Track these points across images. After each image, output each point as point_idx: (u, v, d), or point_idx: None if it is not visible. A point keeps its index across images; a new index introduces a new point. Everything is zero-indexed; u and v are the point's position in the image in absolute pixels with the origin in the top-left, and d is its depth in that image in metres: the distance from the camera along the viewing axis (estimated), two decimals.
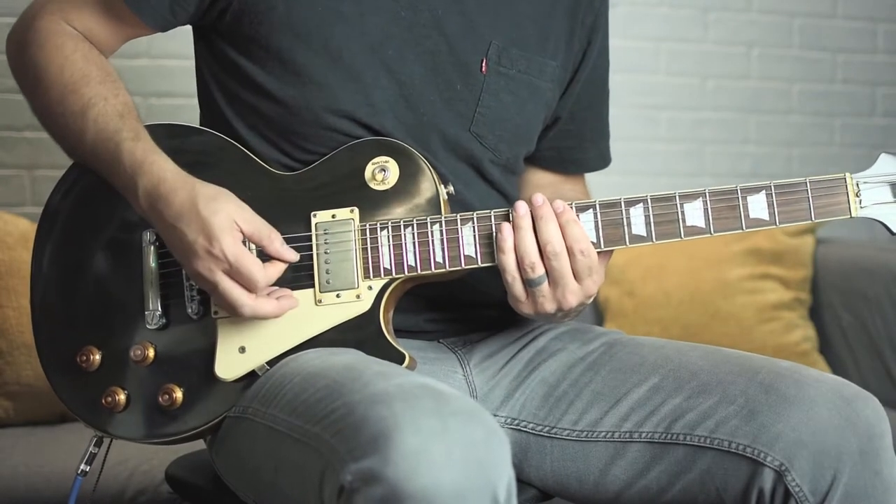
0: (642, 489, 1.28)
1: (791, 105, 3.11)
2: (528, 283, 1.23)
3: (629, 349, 1.36)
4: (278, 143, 1.33)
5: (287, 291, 1.25)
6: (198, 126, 1.37)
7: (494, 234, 1.25)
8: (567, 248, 1.22)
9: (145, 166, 1.22)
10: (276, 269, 1.23)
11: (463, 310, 1.40)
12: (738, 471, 1.20)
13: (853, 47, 3.14)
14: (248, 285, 1.20)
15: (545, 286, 1.23)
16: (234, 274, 1.19)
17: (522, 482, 1.36)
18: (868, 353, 2.56)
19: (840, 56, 3.13)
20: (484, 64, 1.36)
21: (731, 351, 1.32)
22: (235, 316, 1.23)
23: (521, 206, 1.23)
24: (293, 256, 1.24)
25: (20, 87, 1.36)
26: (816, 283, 2.68)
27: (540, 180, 1.53)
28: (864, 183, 1.24)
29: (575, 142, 1.52)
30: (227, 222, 1.19)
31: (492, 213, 1.26)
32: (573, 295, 1.23)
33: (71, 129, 1.28)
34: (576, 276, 1.23)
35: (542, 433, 1.34)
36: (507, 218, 1.25)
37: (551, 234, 1.22)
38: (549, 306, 1.24)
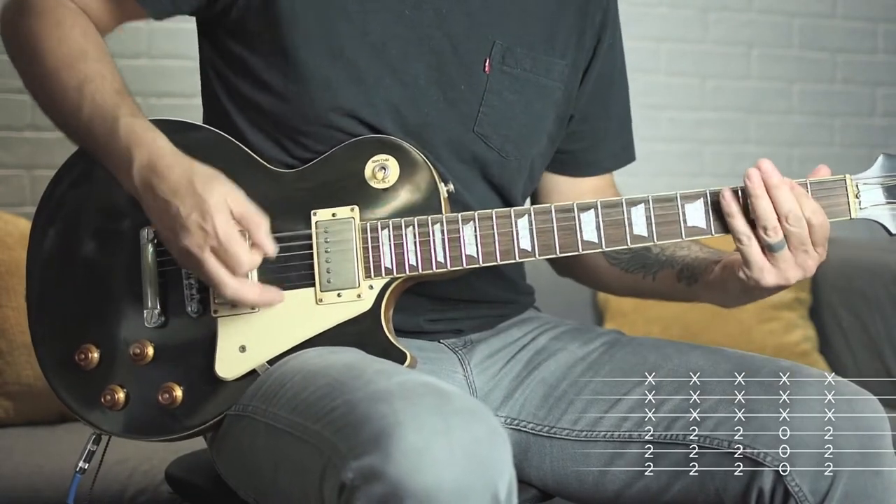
0: (642, 489, 1.28)
1: (791, 105, 3.11)
2: (769, 248, 1.21)
3: (629, 349, 1.36)
4: (279, 140, 1.33)
5: (274, 288, 1.23)
6: (197, 123, 1.37)
7: (715, 205, 1.24)
8: (806, 218, 1.21)
9: (145, 141, 1.21)
10: (258, 258, 1.20)
11: (464, 310, 1.40)
12: (737, 471, 1.20)
13: (853, 47, 3.14)
14: (232, 266, 1.18)
15: (786, 251, 1.22)
16: (221, 253, 1.17)
17: (522, 482, 1.35)
18: (868, 353, 2.56)
19: (840, 56, 3.13)
20: (487, 63, 1.35)
21: (731, 350, 1.32)
22: (220, 296, 1.22)
23: (755, 174, 1.22)
24: (271, 250, 1.20)
25: (12, 59, 1.33)
26: (816, 283, 2.68)
27: (559, 185, 1.52)
28: (864, 184, 1.24)
29: (587, 142, 1.51)
30: (221, 201, 1.17)
31: (493, 212, 1.26)
32: (813, 260, 1.23)
33: (66, 103, 1.26)
34: (814, 243, 1.23)
35: (541, 433, 1.34)
36: (508, 217, 1.25)
37: (791, 201, 1.21)
38: (794, 273, 1.22)
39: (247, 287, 1.20)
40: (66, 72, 1.26)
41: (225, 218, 1.17)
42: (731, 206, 1.22)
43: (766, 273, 1.23)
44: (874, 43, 3.17)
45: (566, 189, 1.52)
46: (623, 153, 1.55)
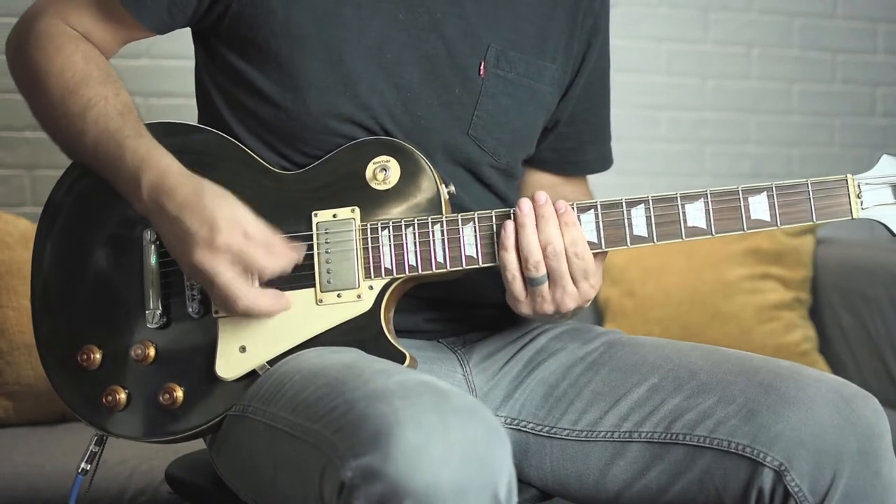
0: (642, 489, 1.28)
1: (791, 105, 3.11)
2: (530, 283, 1.23)
3: (629, 349, 1.36)
4: (277, 147, 1.33)
5: (280, 293, 1.24)
6: (198, 125, 1.37)
7: (496, 232, 1.25)
8: (565, 248, 1.23)
9: (149, 160, 1.22)
10: (280, 262, 1.21)
11: (462, 309, 1.41)
12: (737, 471, 1.20)
13: (853, 47, 3.14)
14: (255, 271, 1.19)
15: (545, 287, 1.23)
16: (238, 262, 1.18)
17: (522, 482, 1.36)
18: (868, 353, 2.56)
19: (840, 56, 3.13)
20: (482, 67, 1.36)
21: (730, 351, 1.32)
22: (231, 311, 1.23)
23: (526, 204, 1.23)
24: (298, 255, 1.23)
25: (19, 89, 1.36)
26: (816, 283, 2.68)
27: (540, 181, 1.53)
28: (866, 184, 1.24)
29: (574, 144, 1.52)
30: (231, 218, 1.19)
31: (493, 212, 1.27)
32: (570, 298, 1.24)
33: (71, 129, 1.28)
34: (572, 278, 1.24)
35: (541, 433, 1.34)
36: (509, 217, 1.25)
37: (552, 233, 1.22)
38: (548, 307, 1.24)
39: (259, 297, 1.20)
40: (70, 98, 1.27)
41: (234, 231, 1.18)
42: (509, 240, 1.23)
43: (521, 304, 1.25)
44: (874, 43, 3.17)
45: (545, 186, 1.52)
46: (608, 156, 1.57)
